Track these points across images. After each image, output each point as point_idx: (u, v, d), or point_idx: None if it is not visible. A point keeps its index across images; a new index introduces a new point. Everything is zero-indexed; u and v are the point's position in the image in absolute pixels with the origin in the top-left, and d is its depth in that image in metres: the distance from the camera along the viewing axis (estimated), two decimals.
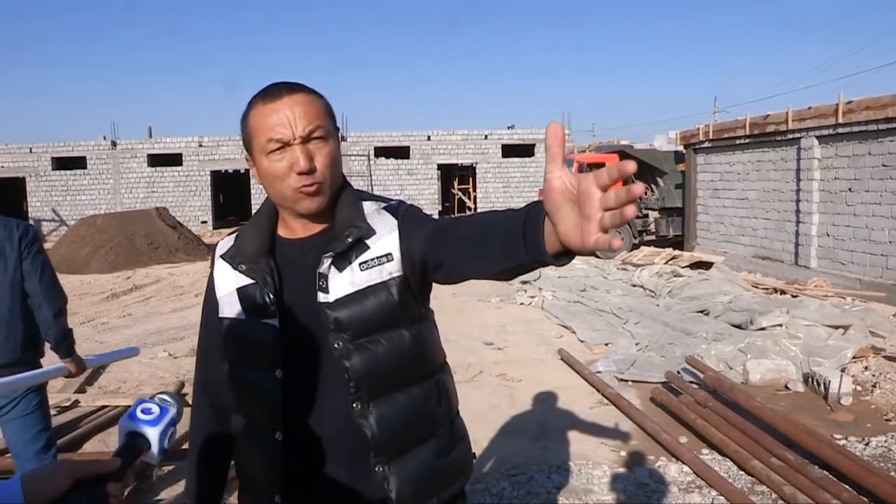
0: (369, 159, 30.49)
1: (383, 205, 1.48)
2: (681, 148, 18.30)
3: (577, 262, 15.62)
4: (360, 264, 1.38)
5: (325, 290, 1.37)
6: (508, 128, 30.87)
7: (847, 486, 3.58)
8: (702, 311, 9.05)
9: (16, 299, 2.93)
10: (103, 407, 5.60)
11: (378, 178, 30.54)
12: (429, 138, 30.54)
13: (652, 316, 8.94)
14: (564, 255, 1.01)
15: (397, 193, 30.47)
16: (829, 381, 5.61)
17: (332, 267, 1.38)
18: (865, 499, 3.50)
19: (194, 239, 19.95)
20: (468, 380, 6.41)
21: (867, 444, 4.55)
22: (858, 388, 5.85)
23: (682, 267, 12.69)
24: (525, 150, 30.85)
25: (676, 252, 14.53)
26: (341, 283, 1.37)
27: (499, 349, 7.67)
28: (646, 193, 18.84)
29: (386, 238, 1.41)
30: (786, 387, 5.95)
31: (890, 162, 10.50)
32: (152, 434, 1.09)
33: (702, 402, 5.01)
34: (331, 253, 1.38)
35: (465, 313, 9.68)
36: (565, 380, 6.36)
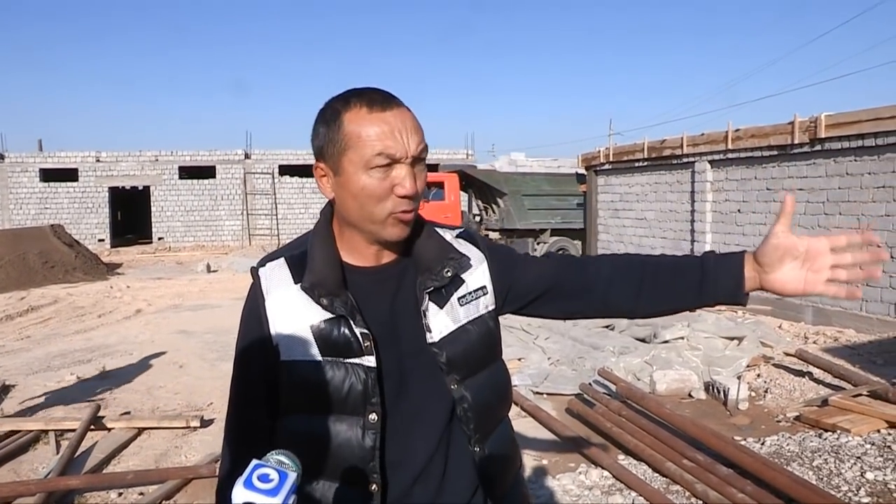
0: (273, 177, 30.17)
1: (454, 232, 1.41)
2: (581, 169, 18.98)
3: None
4: (458, 299, 1.31)
5: (429, 329, 1.28)
6: None
7: (749, 481, 3.94)
8: (607, 327, 9.47)
9: None
10: (12, 433, 5.41)
11: (282, 196, 30.27)
12: None
13: (560, 332, 9.30)
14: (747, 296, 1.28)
15: (301, 212, 30.29)
16: (728, 389, 6.07)
17: (431, 303, 1.29)
18: (765, 491, 3.86)
19: (92, 258, 19.23)
20: None
21: (763, 444, 4.96)
22: (753, 394, 6.35)
23: None
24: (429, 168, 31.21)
25: None
26: (442, 321, 1.29)
27: None
28: (486, 213, 19.21)
29: (477, 270, 1.36)
30: (689, 395, 6.38)
31: (773, 186, 11.34)
32: None
33: (616, 410, 5.34)
34: (430, 288, 1.29)
35: None
36: None
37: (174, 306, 12.99)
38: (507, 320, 8.87)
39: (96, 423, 5.54)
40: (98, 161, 28.88)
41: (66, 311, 12.73)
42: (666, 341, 7.76)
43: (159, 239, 29.48)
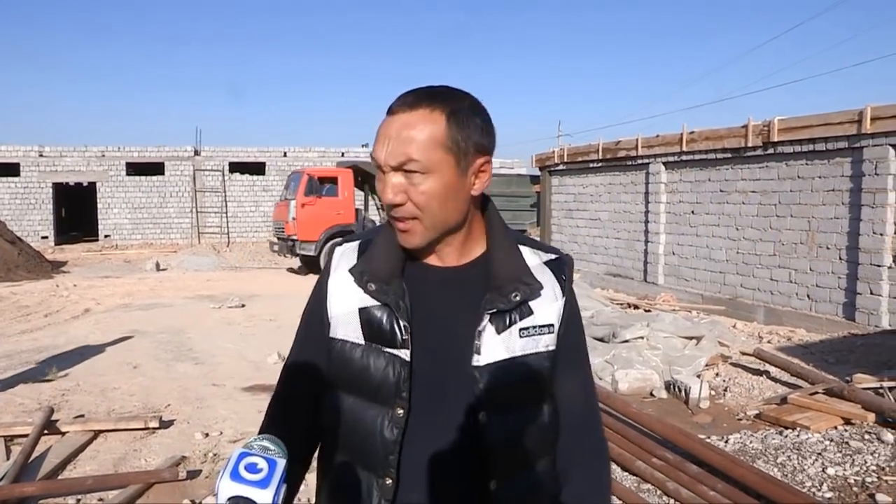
0: (223, 175, 29.68)
1: (544, 258, 1.33)
2: (534, 171, 19.03)
3: None
4: (520, 330, 1.24)
5: (479, 351, 1.21)
6: (363, 146, 30.93)
7: (720, 479, 4.00)
8: None
9: None
10: None
11: (233, 194, 29.80)
12: (285, 154, 30.13)
13: None
14: None
15: (252, 210, 29.86)
16: (690, 388, 6.16)
17: (490, 324, 1.22)
18: (735, 488, 3.91)
19: (36, 255, 18.64)
20: None
21: (727, 442, 5.05)
22: (713, 392, 6.46)
23: None
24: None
25: None
26: (495, 347, 1.22)
27: None
28: (383, 209, 19.26)
29: (551, 306, 1.28)
30: (651, 394, 6.47)
31: (727, 188, 11.59)
32: (264, 498, 0.88)
33: None
34: (493, 310, 1.22)
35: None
36: None
37: (124, 305, 12.65)
38: None
39: (49, 426, 5.33)
40: (41, 156, 27.88)
41: (10, 310, 12.28)
42: (626, 341, 7.83)
43: (106, 237, 28.68)
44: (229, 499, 0.87)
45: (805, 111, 9.98)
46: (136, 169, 29.17)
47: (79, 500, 4.26)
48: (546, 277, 1.29)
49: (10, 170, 27.74)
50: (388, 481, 1.21)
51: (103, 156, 28.52)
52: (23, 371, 7.62)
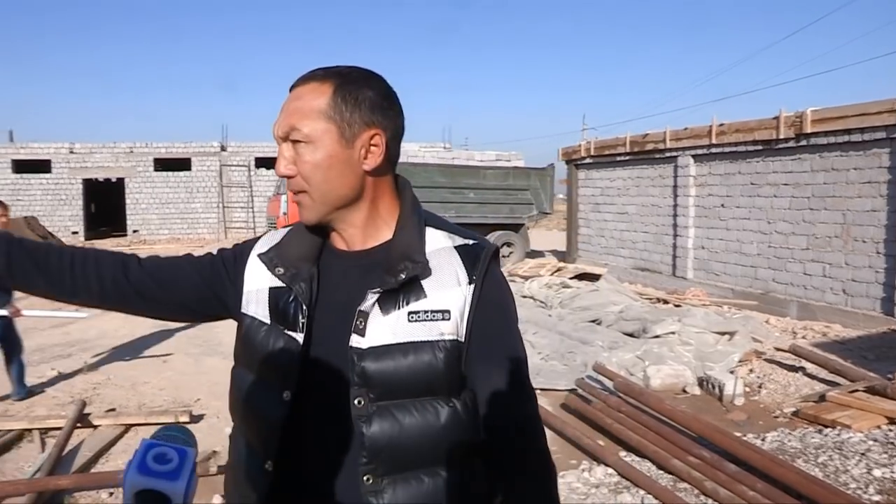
0: (250, 170, 29.85)
1: (459, 242, 1.24)
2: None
3: None
4: (409, 313, 1.16)
5: (361, 332, 1.16)
6: None
7: (759, 479, 3.89)
8: (594, 321, 9.44)
9: None
10: None
11: (259, 189, 29.96)
12: None
13: (547, 326, 9.23)
14: None
15: None
16: (724, 384, 6.05)
17: (377, 305, 1.17)
18: (775, 488, 3.81)
19: None
20: None
21: (764, 440, 4.94)
22: (748, 389, 6.33)
23: (570, 278, 13.17)
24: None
25: (561, 264, 15.06)
26: (381, 330, 1.16)
27: None
28: None
29: (450, 291, 1.18)
30: (683, 390, 6.36)
31: (758, 181, 11.38)
32: (176, 491, 0.79)
33: (615, 406, 5.28)
34: (377, 289, 1.16)
35: None
36: None
37: None
38: None
39: (82, 420, 5.36)
40: (71, 153, 28.17)
41: (40, 304, 12.40)
42: (657, 336, 7.73)
43: (134, 231, 28.97)
44: (137, 493, 0.78)
45: (838, 102, 9.73)
46: (163, 165, 29.41)
47: (111, 494, 4.27)
48: (450, 260, 1.21)
49: (42, 167, 28.09)
50: (268, 465, 1.19)
51: (131, 152, 28.75)
52: (53, 363, 7.69)
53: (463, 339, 1.18)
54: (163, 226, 29.21)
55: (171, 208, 29.27)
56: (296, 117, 1.16)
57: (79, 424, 5.28)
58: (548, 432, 5.11)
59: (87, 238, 27.89)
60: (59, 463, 4.59)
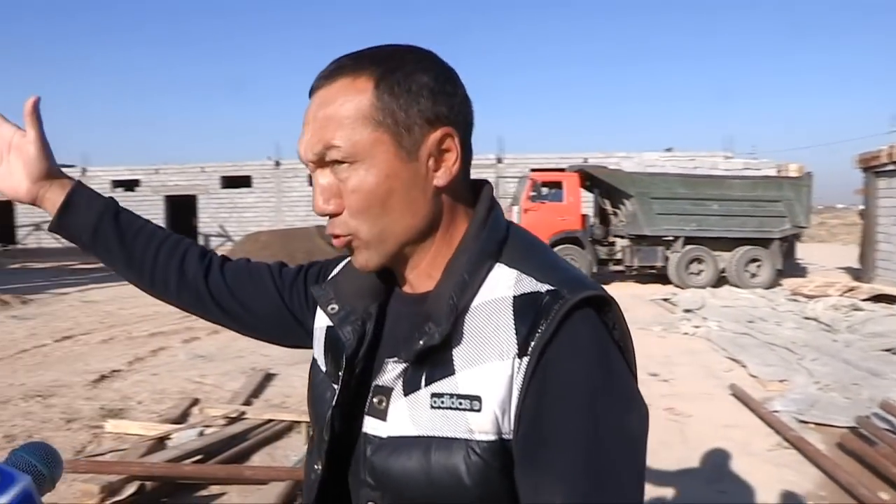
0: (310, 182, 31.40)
1: (525, 289, 0.84)
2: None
3: (743, 291, 14.81)
4: (432, 395, 0.83)
5: (381, 416, 0.87)
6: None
7: None
8: (889, 350, 8.29)
9: None
10: (269, 420, 5.76)
11: None
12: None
13: (830, 352, 8.28)
14: None
15: None
16: None
17: (400, 380, 0.86)
18: None
19: None
20: None
21: None
22: None
23: (863, 300, 11.76)
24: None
25: (854, 283, 13.51)
26: (401, 415, 0.85)
27: (664, 381, 7.31)
28: (615, 217, 17.12)
29: (486, 367, 0.81)
30: None
31: None
32: None
33: None
34: (395, 358, 0.86)
35: None
36: (738, 417, 5.96)
37: None
38: (768, 336, 8.09)
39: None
40: (157, 173, 33.47)
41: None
42: None
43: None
44: None
45: None
46: (227, 181, 33.11)
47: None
48: (497, 318, 0.82)
49: (129, 185, 33.50)
50: None
51: (202, 170, 33.16)
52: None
53: (509, 438, 0.80)
54: (228, 239, 31.74)
55: (234, 221, 32.59)
56: (329, 130, 0.84)
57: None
58: (816, 474, 4.53)
59: None
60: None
